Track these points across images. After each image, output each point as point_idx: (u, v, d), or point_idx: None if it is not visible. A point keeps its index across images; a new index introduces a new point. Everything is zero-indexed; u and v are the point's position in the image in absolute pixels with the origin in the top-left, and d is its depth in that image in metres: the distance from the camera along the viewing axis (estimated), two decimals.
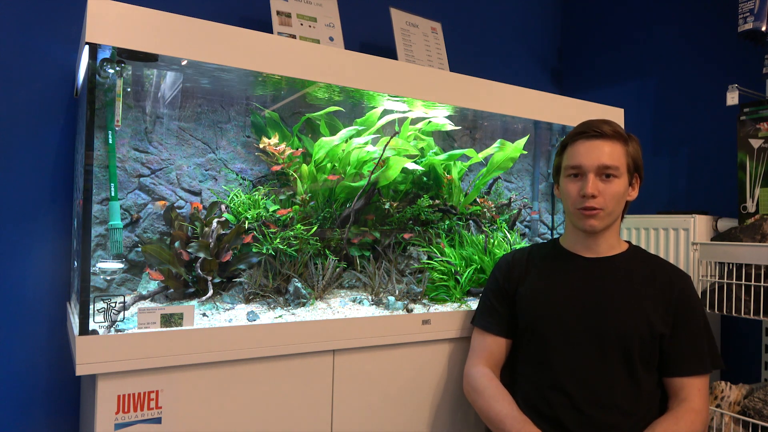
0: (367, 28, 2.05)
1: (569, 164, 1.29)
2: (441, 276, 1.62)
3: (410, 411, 1.42)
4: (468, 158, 1.90)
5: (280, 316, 1.33)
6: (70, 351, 1.36)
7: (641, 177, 1.32)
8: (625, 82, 2.39)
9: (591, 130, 1.27)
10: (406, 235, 1.72)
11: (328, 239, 1.63)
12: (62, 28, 1.55)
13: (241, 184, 1.65)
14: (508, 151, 1.83)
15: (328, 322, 1.30)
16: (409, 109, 1.68)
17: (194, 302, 1.38)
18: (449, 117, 1.77)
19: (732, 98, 1.69)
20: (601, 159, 1.24)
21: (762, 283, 1.51)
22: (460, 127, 1.82)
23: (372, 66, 1.44)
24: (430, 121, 1.74)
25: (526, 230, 2.20)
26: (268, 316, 1.33)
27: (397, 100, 1.59)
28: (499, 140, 1.84)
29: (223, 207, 1.54)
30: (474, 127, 2.09)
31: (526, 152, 2.05)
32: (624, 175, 1.27)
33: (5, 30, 1.49)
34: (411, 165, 1.70)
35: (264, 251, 1.47)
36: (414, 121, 1.74)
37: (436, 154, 1.83)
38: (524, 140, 1.81)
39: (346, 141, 1.64)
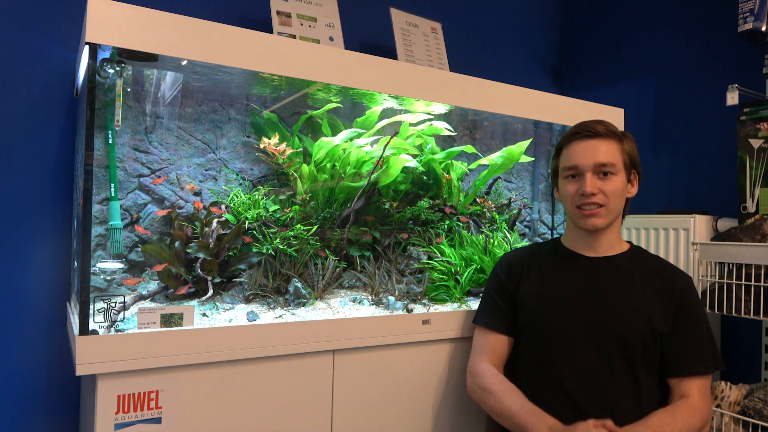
0: (367, 28, 2.05)
1: (566, 165, 1.29)
2: (441, 276, 1.62)
3: (410, 411, 1.42)
4: (467, 154, 1.89)
5: (280, 316, 1.33)
6: (70, 351, 1.36)
7: (639, 173, 1.33)
8: (625, 82, 2.39)
9: (585, 131, 1.28)
10: (405, 236, 1.72)
11: (328, 239, 1.63)
12: (62, 28, 1.55)
13: (241, 184, 1.65)
14: (510, 153, 1.83)
15: (328, 322, 1.30)
16: (408, 111, 1.68)
17: (194, 302, 1.38)
18: (448, 116, 1.77)
19: (732, 98, 1.69)
20: (597, 157, 1.25)
21: (762, 283, 1.51)
22: (456, 133, 1.82)
23: (372, 66, 1.44)
24: (431, 124, 1.75)
25: (526, 230, 2.20)
26: (268, 316, 1.33)
27: (397, 101, 1.59)
28: (504, 149, 1.84)
29: (223, 207, 1.54)
30: (474, 127, 2.09)
31: (533, 158, 2.06)
32: (621, 171, 1.27)
33: (5, 30, 1.49)
34: (410, 163, 1.70)
35: (264, 251, 1.47)
36: (414, 122, 1.74)
37: (433, 152, 1.83)
38: (527, 143, 1.81)
39: (347, 142, 1.64)
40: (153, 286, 1.46)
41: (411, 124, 1.71)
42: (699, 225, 1.81)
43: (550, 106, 1.75)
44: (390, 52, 1.89)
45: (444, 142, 2.02)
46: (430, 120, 1.75)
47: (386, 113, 1.69)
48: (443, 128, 1.74)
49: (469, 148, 1.83)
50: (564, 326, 1.26)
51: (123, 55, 1.20)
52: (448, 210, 1.80)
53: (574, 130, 1.30)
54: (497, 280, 1.40)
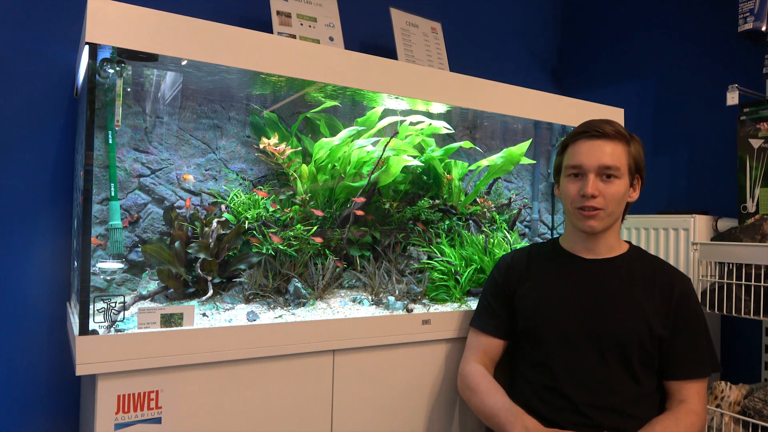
0: (367, 28, 2.05)
1: (570, 164, 1.28)
2: (441, 276, 1.62)
3: (410, 411, 1.42)
4: (467, 154, 1.89)
5: (280, 316, 1.33)
6: (70, 351, 1.36)
7: (642, 178, 1.31)
8: (625, 82, 2.39)
9: (592, 130, 1.26)
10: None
11: (328, 239, 1.63)
12: (62, 28, 1.55)
13: (241, 184, 1.65)
14: (510, 155, 1.83)
15: (328, 322, 1.30)
16: (409, 108, 1.68)
17: (194, 302, 1.38)
18: (447, 115, 1.76)
19: (732, 98, 1.69)
20: (602, 159, 1.23)
21: (762, 283, 1.51)
22: (453, 131, 1.82)
23: (372, 66, 1.44)
24: (430, 124, 1.75)
25: (526, 230, 2.20)
26: (268, 316, 1.33)
27: (398, 99, 1.59)
28: (504, 150, 1.84)
29: (223, 207, 1.54)
30: (474, 127, 2.09)
31: (534, 162, 2.05)
32: (625, 175, 1.26)
33: (5, 30, 1.49)
34: (410, 162, 1.70)
35: (264, 251, 1.47)
36: (413, 121, 1.74)
37: (433, 152, 1.83)
38: (527, 144, 1.81)
39: (347, 144, 1.64)
40: (153, 285, 1.46)
41: (411, 124, 1.71)
42: (699, 225, 1.81)
43: (550, 106, 1.75)
44: (390, 52, 1.89)
45: (444, 141, 2.02)
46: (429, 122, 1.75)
47: (387, 113, 1.69)
48: (441, 127, 1.74)
49: (467, 144, 1.83)
50: (563, 330, 1.26)
51: (123, 55, 1.20)
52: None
53: (582, 129, 1.28)
54: (494, 283, 1.40)
